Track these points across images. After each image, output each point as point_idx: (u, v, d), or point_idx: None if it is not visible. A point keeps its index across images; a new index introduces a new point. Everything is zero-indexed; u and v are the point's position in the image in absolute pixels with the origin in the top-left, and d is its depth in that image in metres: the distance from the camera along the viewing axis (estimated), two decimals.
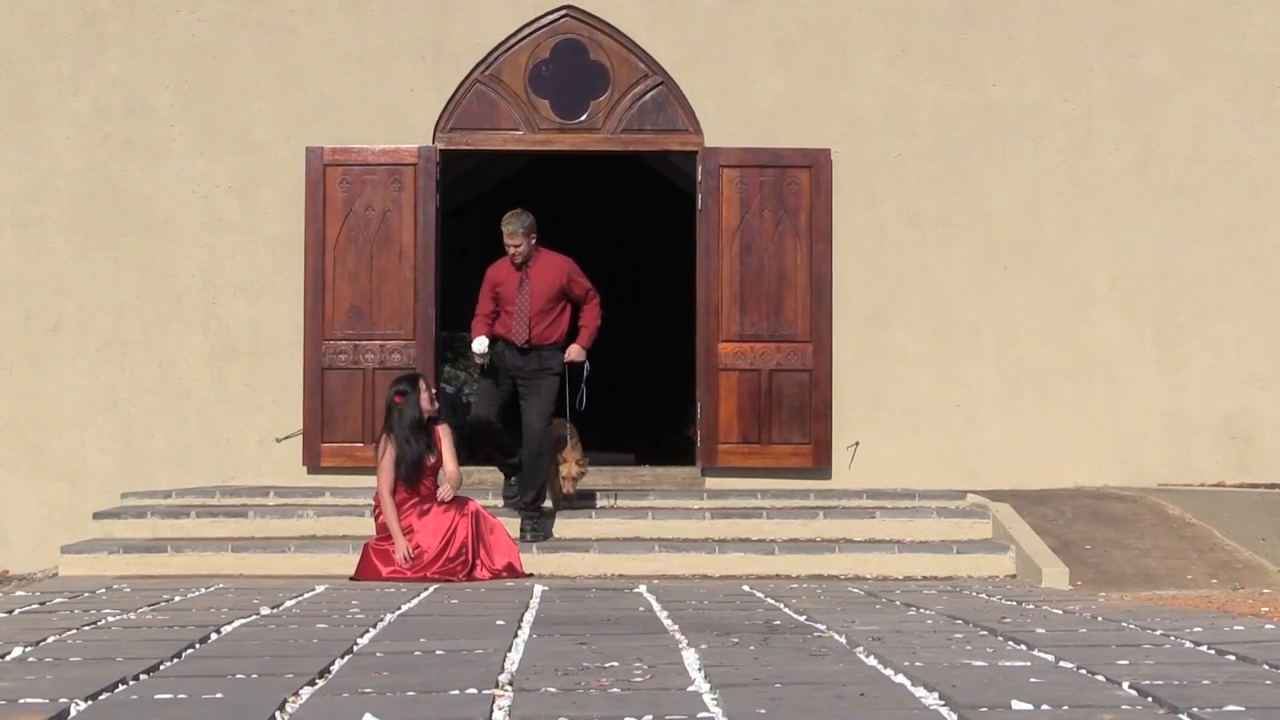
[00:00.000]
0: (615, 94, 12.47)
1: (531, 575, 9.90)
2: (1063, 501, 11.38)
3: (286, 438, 12.21)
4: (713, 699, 4.72)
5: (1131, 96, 12.49)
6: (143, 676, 5.21)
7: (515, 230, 10.49)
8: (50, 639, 6.24)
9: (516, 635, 6.32)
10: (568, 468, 10.68)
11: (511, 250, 10.52)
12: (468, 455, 12.42)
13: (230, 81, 12.38)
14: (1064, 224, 12.47)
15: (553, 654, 5.72)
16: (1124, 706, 4.57)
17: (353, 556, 10.08)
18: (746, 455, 12.19)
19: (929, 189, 12.45)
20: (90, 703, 4.68)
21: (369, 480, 11.59)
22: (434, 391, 10.18)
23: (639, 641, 6.09)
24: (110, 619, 7.01)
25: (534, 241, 10.55)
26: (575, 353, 10.67)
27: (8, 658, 5.68)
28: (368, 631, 6.45)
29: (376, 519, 9.94)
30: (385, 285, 12.20)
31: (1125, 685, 4.92)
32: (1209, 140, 12.48)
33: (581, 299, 10.71)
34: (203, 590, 8.69)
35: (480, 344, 10.47)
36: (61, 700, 4.66)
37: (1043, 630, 6.46)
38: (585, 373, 10.79)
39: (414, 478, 9.81)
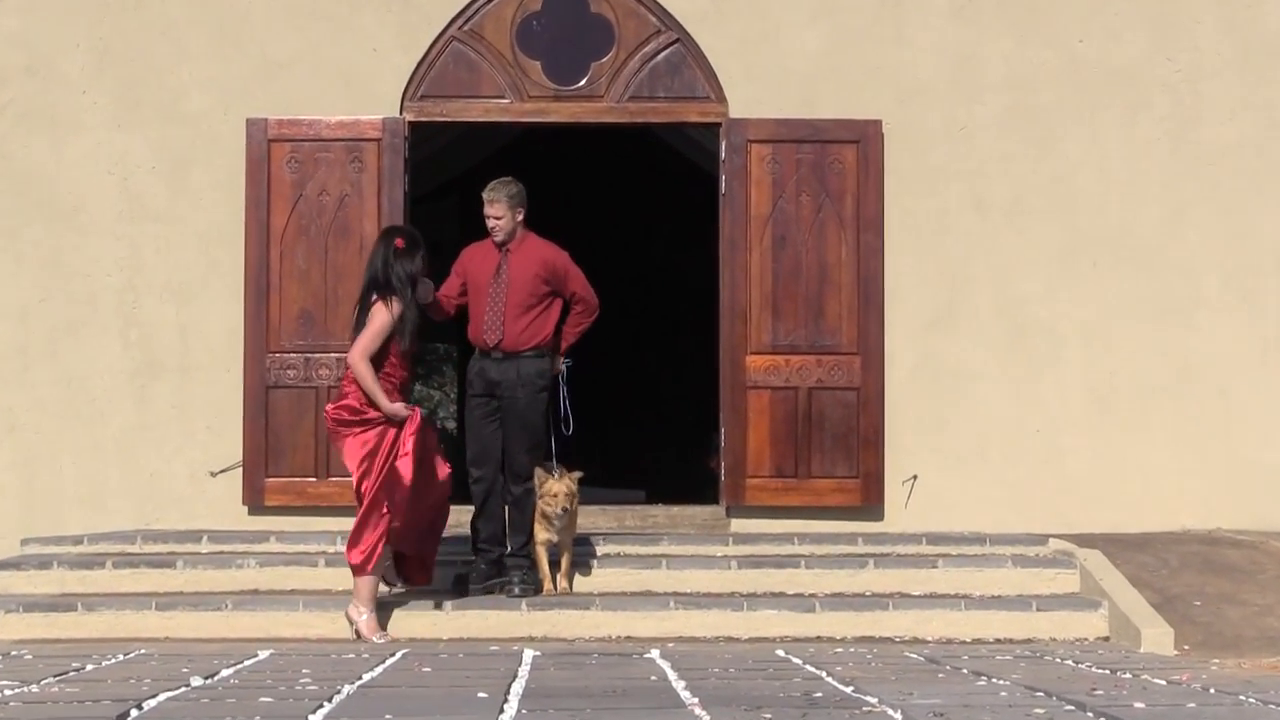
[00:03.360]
0: (621, 54, 12.47)
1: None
2: (1166, 548, 11.36)
3: (223, 471, 12.20)
4: None
5: (1248, 55, 12.48)
6: None
7: (497, 198, 10.45)
8: None
9: (502, 711, 6.29)
10: (552, 485, 10.40)
11: (492, 223, 10.47)
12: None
13: (155, 39, 12.37)
14: (1166, 209, 12.45)
15: None
16: None
17: (303, 614, 10.11)
18: (781, 491, 12.22)
19: (1001, 167, 12.43)
20: None
21: (322, 522, 11.76)
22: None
23: (650, 718, 6.04)
24: (8, 693, 6.98)
25: (521, 218, 10.51)
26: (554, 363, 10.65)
27: None
28: (321, 706, 6.42)
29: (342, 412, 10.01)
30: (343, 285, 12.18)
31: None
32: None
33: (573, 300, 10.60)
34: (121, 656, 8.64)
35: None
36: None
37: (1142, 704, 6.43)
38: (563, 387, 10.66)
39: (412, 348, 10.08)
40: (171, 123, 12.35)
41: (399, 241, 10.11)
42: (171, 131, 12.34)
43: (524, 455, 10.44)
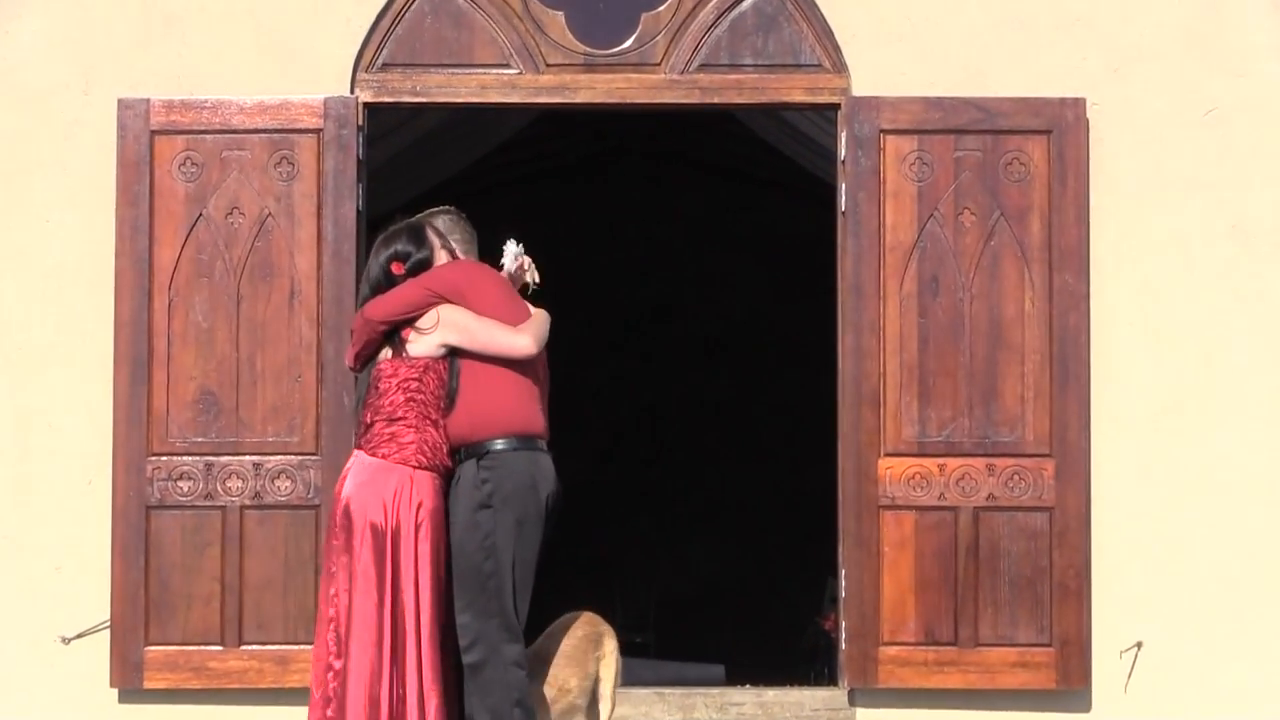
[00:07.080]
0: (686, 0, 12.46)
1: None
2: None
3: (80, 636, 12.11)
4: None
5: None
6: None
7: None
8: None
9: None
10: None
11: None
12: None
13: None
14: None
15: None
16: None
17: None
18: (932, 667, 12.23)
19: (1273, 171, 12.29)
20: None
21: (231, 714, 12.14)
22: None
23: None
24: None
25: (426, 256, 10.46)
26: None
27: None
28: None
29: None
30: (265, 351, 12.26)
31: None
32: None
33: None
34: None
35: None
36: None
37: None
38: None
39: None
40: (6, 104, 12.32)
41: (395, 267, 10.21)
42: (4, 119, 12.32)
43: (460, 614, 10.20)
